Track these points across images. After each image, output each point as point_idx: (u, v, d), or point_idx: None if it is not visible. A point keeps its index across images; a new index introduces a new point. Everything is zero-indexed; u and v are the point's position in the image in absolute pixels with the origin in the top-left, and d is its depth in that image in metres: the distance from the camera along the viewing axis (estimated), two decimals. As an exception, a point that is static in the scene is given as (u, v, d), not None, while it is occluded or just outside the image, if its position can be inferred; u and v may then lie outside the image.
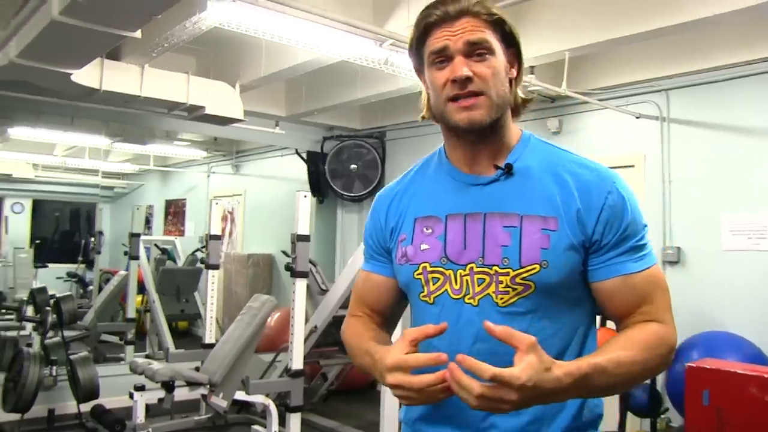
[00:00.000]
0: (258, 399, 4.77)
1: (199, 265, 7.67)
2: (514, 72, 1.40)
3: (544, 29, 4.44)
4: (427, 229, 1.41)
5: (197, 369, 4.91)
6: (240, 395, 4.72)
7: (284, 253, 5.37)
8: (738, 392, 3.59)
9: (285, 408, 4.62)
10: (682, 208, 4.94)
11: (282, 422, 4.72)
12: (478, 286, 1.33)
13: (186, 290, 7.49)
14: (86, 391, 5.04)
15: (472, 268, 1.34)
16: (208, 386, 4.61)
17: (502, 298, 1.32)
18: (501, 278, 1.31)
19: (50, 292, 5.96)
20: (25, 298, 6.07)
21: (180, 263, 8.39)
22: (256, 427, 4.97)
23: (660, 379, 4.44)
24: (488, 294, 1.32)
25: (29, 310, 5.99)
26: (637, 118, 5.11)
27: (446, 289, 1.37)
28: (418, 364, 1.19)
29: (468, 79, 1.30)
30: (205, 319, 5.65)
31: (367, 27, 3.77)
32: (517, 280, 1.30)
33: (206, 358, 4.96)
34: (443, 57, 1.33)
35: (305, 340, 4.89)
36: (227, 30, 3.77)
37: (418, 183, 1.50)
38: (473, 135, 1.36)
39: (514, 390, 1.09)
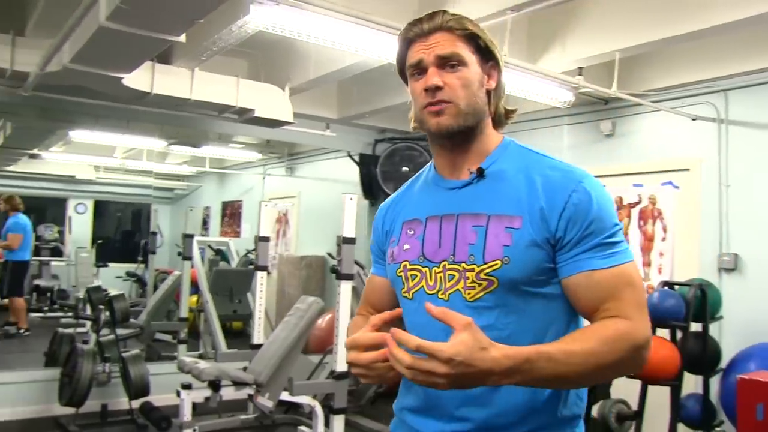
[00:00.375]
0: (304, 400, 4.80)
1: (251, 266, 7.77)
2: (492, 83, 1.50)
3: (594, 29, 4.35)
4: (410, 231, 1.54)
5: (245, 369, 4.96)
6: (286, 396, 4.76)
7: (329, 255, 5.39)
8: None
9: (329, 410, 4.64)
10: (740, 214, 4.70)
11: (328, 424, 4.74)
12: (449, 281, 1.42)
13: (239, 291, 7.58)
14: (137, 388, 5.19)
15: (444, 265, 1.44)
16: (254, 386, 4.66)
17: (469, 293, 1.39)
18: (468, 274, 1.39)
19: (111, 292, 6.11)
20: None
21: (233, 264, 8.51)
22: (302, 428, 5.00)
23: (714, 390, 4.29)
24: (457, 289, 1.41)
25: (88, 309, 6.18)
26: (694, 120, 4.93)
27: (422, 286, 1.47)
28: (366, 342, 1.28)
29: (438, 88, 1.41)
30: (254, 320, 5.71)
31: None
32: (481, 275, 1.38)
33: (254, 358, 5.02)
34: (419, 69, 1.45)
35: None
36: (276, 33, 3.80)
37: (410, 191, 1.65)
38: (445, 140, 1.48)
39: (442, 363, 1.13)
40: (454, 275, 1.42)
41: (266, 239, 5.84)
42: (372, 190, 7.23)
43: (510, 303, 1.38)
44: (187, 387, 4.56)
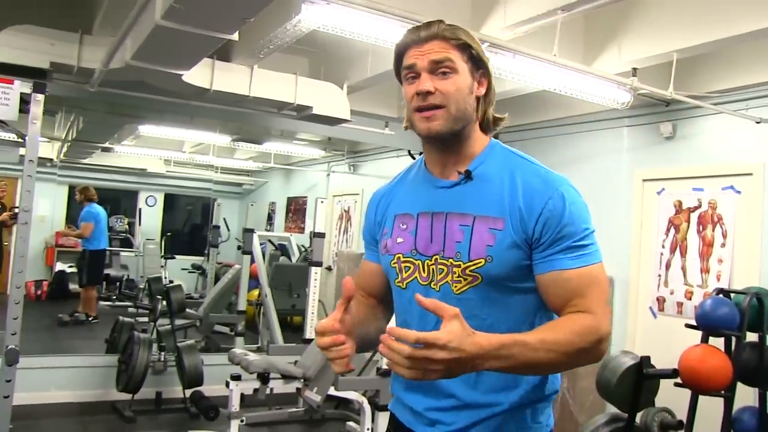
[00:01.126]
0: (351, 395, 4.83)
1: (310, 262, 7.86)
2: (482, 90, 1.61)
3: (650, 29, 4.25)
4: (402, 225, 1.66)
5: (295, 363, 5.02)
6: (333, 391, 4.80)
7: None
8: None
9: (374, 406, 4.66)
10: None
11: (374, 420, 4.76)
12: (440, 275, 1.56)
13: (298, 286, 7.67)
14: (191, 378, 5.32)
15: (436, 259, 1.57)
16: (302, 380, 4.72)
17: (456, 286, 1.54)
18: (455, 269, 1.53)
19: (174, 282, 6.27)
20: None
21: (294, 259, 8.62)
22: (351, 423, 5.05)
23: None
24: (447, 282, 1.55)
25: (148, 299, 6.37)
26: (758, 123, 4.72)
27: (416, 277, 1.61)
28: (324, 329, 1.41)
29: (429, 93, 1.52)
30: (306, 315, 5.77)
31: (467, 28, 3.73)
32: (467, 271, 1.52)
33: (304, 352, 5.07)
34: (413, 73, 1.56)
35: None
36: (329, 33, 3.83)
37: (401, 185, 1.76)
38: (436, 143, 1.59)
39: (439, 349, 1.24)
40: (443, 269, 1.55)
41: (321, 235, 5.89)
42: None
43: (491, 296, 1.52)
44: (236, 378, 4.64)
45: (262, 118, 6.06)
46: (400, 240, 1.64)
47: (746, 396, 4.14)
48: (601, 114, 5.62)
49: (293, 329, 8.02)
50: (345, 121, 5.55)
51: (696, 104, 4.70)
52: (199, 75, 4.72)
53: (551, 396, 1.61)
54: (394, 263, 1.65)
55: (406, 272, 1.62)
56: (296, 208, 10.27)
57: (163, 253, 9.44)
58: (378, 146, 8.11)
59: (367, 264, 1.83)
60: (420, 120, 1.55)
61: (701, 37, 4.01)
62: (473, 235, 1.52)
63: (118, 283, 9.29)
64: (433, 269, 1.57)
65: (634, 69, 4.30)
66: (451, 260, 1.54)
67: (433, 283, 1.57)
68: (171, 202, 10.70)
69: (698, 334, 4.02)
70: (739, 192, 4.86)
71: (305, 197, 10.17)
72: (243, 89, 4.97)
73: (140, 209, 10.05)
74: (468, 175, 1.57)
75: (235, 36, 3.72)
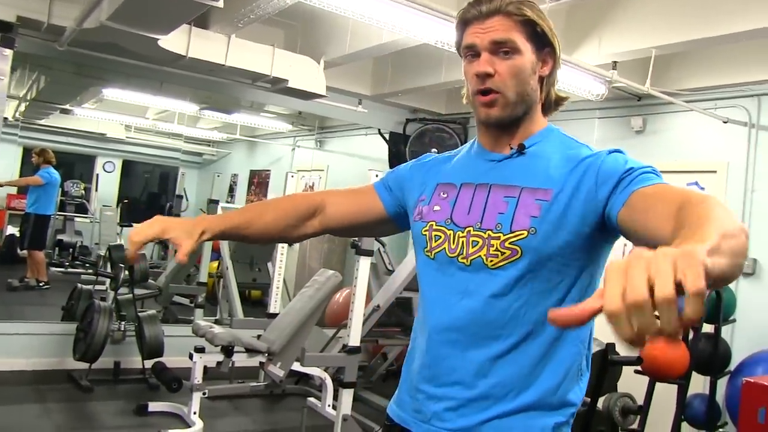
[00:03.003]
0: (315, 372, 4.82)
1: (274, 236, 7.78)
2: (546, 70, 1.50)
3: (632, 24, 4.30)
4: (443, 194, 1.56)
5: (259, 337, 4.99)
6: (297, 366, 4.78)
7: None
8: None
9: (338, 383, 4.66)
10: (763, 220, 4.69)
11: (336, 397, 4.76)
12: (472, 247, 1.45)
13: (259, 260, 7.58)
14: (151, 348, 5.22)
15: (469, 231, 1.46)
16: (266, 354, 4.68)
17: (491, 261, 1.42)
18: (492, 242, 1.42)
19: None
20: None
21: (257, 233, 8.52)
22: (311, 399, 5.03)
23: (720, 391, 4.30)
24: (479, 256, 1.43)
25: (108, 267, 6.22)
26: (725, 122, 4.87)
27: (444, 248, 1.49)
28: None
29: (488, 75, 1.43)
30: (272, 290, 5.72)
31: (452, 13, 3.70)
32: (506, 244, 1.40)
33: (268, 327, 5.04)
34: (473, 52, 1.47)
35: (367, 318, 4.91)
36: (314, 5, 3.77)
37: (451, 159, 1.66)
38: (493, 127, 1.52)
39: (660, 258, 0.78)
40: (477, 242, 1.44)
41: (290, 211, 5.83)
42: (399, 169, 7.19)
43: (528, 275, 1.40)
44: (200, 350, 4.58)
45: (235, 88, 5.97)
46: (437, 208, 1.54)
47: (698, 384, 4.34)
48: (574, 104, 5.66)
49: (252, 303, 7.95)
50: (320, 96, 5.49)
51: (669, 100, 4.79)
52: (175, 41, 4.61)
53: (569, 406, 1.46)
54: (425, 230, 1.54)
55: (435, 241, 1.51)
56: (259, 182, 10.15)
57: (119, 221, 9.24)
58: (347, 123, 8.06)
59: (369, 189, 1.75)
60: (480, 105, 1.47)
61: (679, 35, 4.10)
62: (518, 206, 1.42)
63: (71, 250, 9.07)
64: (463, 241, 1.46)
65: (614, 62, 4.34)
66: (489, 232, 1.42)
67: (461, 256, 1.46)
68: (129, 168, 10.46)
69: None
70: (703, 188, 4.99)
71: (269, 170, 10.06)
72: (219, 58, 4.88)
73: (97, 175, 9.81)
74: (521, 149, 1.49)
75: (220, 3, 3.63)
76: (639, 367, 3.99)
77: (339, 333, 5.41)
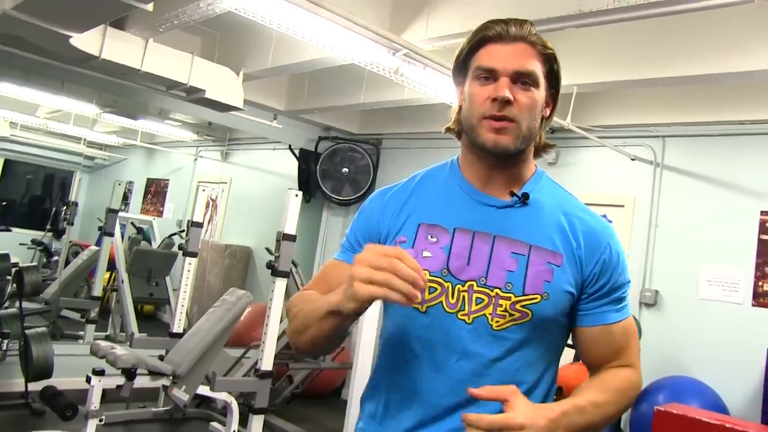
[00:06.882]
0: (221, 396, 4.60)
1: (175, 249, 7.45)
2: (548, 111, 1.45)
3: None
4: (431, 237, 1.40)
5: (161, 358, 4.73)
6: (203, 390, 4.55)
7: (268, 250, 5.20)
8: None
9: (248, 408, 4.47)
10: (664, 254, 4.99)
11: (243, 422, 4.57)
12: (476, 305, 1.35)
13: (158, 273, 7.28)
14: (38, 370, 4.78)
15: (472, 285, 1.36)
16: (171, 377, 4.44)
17: (497, 321, 1.34)
18: (501, 302, 1.34)
19: (12, 260, 5.64)
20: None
21: (155, 245, 8.16)
22: (214, 424, 4.82)
23: (624, 418, 4.42)
24: (484, 315, 1.34)
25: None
26: (633, 159, 5.17)
27: (441, 301, 1.36)
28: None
29: (508, 102, 1.33)
30: (175, 308, 5.45)
31: (383, 33, 3.63)
32: (517, 306, 1.33)
33: (172, 347, 4.79)
34: (489, 75, 1.36)
35: (278, 339, 4.75)
36: (238, 15, 3.61)
37: (426, 189, 1.50)
38: (495, 158, 1.40)
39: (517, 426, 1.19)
40: (482, 299, 1.35)
41: (199, 225, 5.60)
42: (309, 186, 7.09)
43: (531, 337, 1.36)
44: (99, 373, 4.25)
45: (146, 94, 5.69)
46: (427, 254, 1.38)
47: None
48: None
49: (145, 318, 7.60)
50: (237, 108, 5.30)
51: (583, 135, 4.92)
52: (89, 40, 4.32)
53: None
54: None
55: (429, 294, 1.36)
56: (156, 191, 9.75)
57: (-4, 224, 8.61)
58: (255, 136, 7.85)
59: (340, 264, 1.50)
60: (488, 129, 1.35)
61: (599, 76, 4.24)
62: (529, 266, 1.35)
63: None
64: (464, 296, 1.35)
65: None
66: (497, 290, 1.34)
67: (462, 312, 1.34)
68: (10, 169, 9.80)
69: (572, 352, 4.19)
70: (611, 221, 5.12)
71: (167, 180, 9.67)
72: (135, 62, 4.61)
73: (-29, 173, 9.12)
74: (525, 199, 1.41)
75: (150, 6, 3.42)
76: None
77: (248, 353, 5.23)
